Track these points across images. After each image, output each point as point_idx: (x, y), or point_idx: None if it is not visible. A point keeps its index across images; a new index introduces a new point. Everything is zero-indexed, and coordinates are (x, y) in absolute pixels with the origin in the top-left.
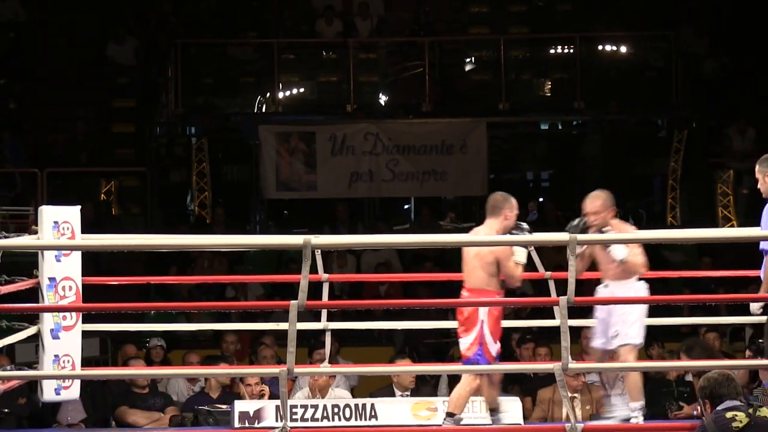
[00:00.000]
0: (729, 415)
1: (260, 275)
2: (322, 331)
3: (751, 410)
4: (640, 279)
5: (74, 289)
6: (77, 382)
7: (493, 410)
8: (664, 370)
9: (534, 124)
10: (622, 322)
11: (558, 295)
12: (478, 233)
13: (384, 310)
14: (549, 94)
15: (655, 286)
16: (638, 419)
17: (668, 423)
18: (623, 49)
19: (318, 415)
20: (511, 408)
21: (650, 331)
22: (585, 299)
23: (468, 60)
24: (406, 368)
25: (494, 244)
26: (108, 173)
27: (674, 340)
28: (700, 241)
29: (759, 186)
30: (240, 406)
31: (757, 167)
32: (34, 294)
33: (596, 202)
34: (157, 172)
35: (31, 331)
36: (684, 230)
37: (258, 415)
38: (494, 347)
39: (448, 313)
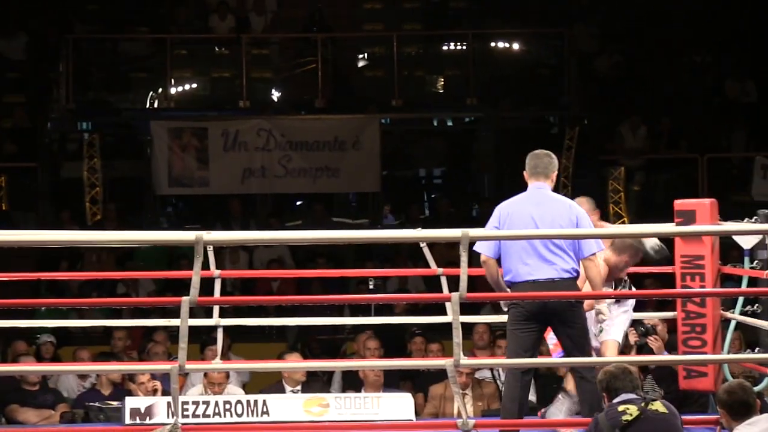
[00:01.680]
0: (621, 408)
1: (152, 271)
2: (214, 327)
3: (644, 404)
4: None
5: None
6: None
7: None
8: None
9: (427, 121)
10: (614, 315)
11: (450, 291)
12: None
13: (276, 306)
14: (442, 91)
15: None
16: None
17: (566, 419)
18: (516, 46)
19: (210, 411)
20: (403, 404)
21: None
22: (477, 295)
23: (361, 56)
24: (298, 364)
25: (393, 240)
26: None
27: None
28: (603, 237)
29: None
30: (131, 402)
31: None
32: None
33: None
34: (48, 167)
35: None
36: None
37: (149, 411)
38: None
39: (342, 309)
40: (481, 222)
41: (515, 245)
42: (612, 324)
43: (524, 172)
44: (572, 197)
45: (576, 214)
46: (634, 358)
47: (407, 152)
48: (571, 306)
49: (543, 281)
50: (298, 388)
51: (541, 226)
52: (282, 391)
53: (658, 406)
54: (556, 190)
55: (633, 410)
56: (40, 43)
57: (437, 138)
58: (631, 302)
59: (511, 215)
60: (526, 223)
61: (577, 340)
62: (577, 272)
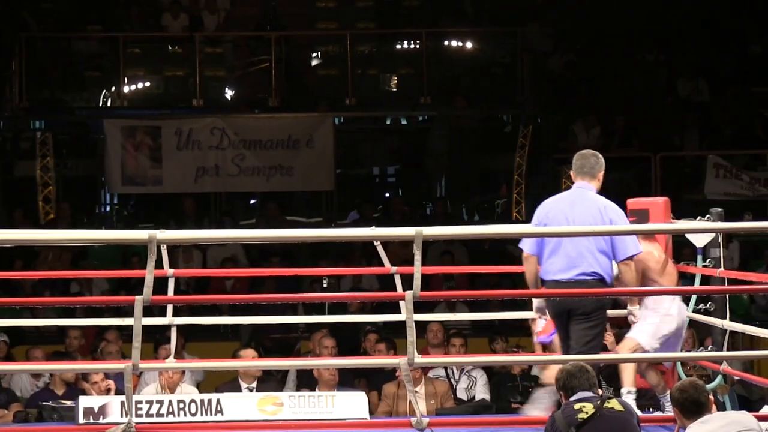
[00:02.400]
0: (577, 406)
1: (105, 270)
2: (168, 327)
3: (599, 402)
4: None
5: None
6: None
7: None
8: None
9: (381, 120)
10: (642, 318)
11: (404, 290)
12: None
13: (230, 304)
14: (395, 90)
15: (501, 281)
16: None
17: (515, 417)
18: (469, 45)
19: (164, 410)
20: (358, 403)
21: (493, 325)
22: (430, 294)
23: (315, 55)
24: (252, 363)
25: (347, 239)
26: None
27: (519, 334)
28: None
29: None
30: (85, 401)
31: None
32: None
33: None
34: (0, 166)
35: None
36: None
37: (103, 410)
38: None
39: (296, 308)
40: (435, 221)
41: (549, 244)
42: (641, 324)
43: (571, 172)
44: (526, 196)
45: (610, 217)
46: (588, 357)
47: (361, 151)
48: (589, 305)
49: (565, 282)
50: (254, 384)
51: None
52: (238, 387)
53: (615, 404)
54: (509, 187)
55: (589, 408)
56: None
57: (391, 137)
58: (667, 310)
59: (548, 214)
60: (559, 222)
61: (580, 339)
62: (600, 275)
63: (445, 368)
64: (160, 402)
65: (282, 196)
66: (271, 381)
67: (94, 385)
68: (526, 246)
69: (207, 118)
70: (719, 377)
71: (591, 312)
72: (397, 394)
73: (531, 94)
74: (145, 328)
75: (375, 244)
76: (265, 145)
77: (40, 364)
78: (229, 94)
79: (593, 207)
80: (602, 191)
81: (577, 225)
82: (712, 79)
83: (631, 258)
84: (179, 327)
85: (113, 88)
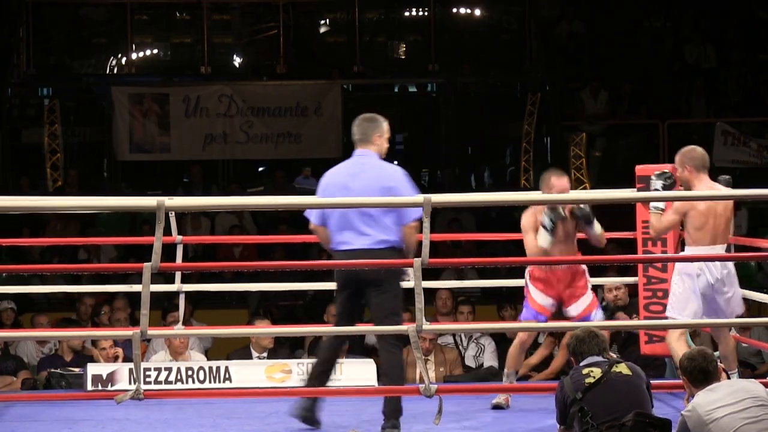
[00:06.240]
0: (585, 371)
1: (113, 237)
2: (176, 294)
3: (607, 366)
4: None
5: None
6: None
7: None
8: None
9: (389, 87)
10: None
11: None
12: None
13: (238, 272)
14: (404, 57)
15: (509, 248)
16: None
17: (522, 384)
18: (477, 11)
19: (172, 377)
20: (366, 369)
21: (501, 292)
22: (439, 261)
23: (323, 22)
24: (262, 330)
25: (357, 206)
26: None
27: None
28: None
29: None
30: (93, 369)
31: None
32: None
33: (676, 158)
34: (8, 133)
35: None
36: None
37: (111, 378)
38: (541, 300)
39: (305, 275)
40: (443, 188)
41: (332, 216)
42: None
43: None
44: (534, 163)
45: (393, 184)
46: (600, 323)
47: None
48: (385, 274)
49: (356, 251)
50: (264, 354)
51: (352, 196)
52: (249, 356)
53: (623, 368)
54: (517, 155)
55: (596, 373)
56: (0, 8)
57: (399, 104)
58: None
59: (327, 186)
60: (338, 194)
61: (387, 308)
62: (390, 242)
63: (454, 335)
64: (169, 369)
65: (290, 163)
66: (282, 348)
67: (102, 351)
68: (312, 217)
69: (215, 86)
70: None
71: (388, 281)
72: (406, 361)
73: (539, 61)
74: (153, 295)
75: None
76: (273, 113)
77: (49, 331)
78: (236, 61)
79: (373, 175)
80: (611, 158)
81: (356, 195)
82: (719, 45)
83: (414, 221)
84: (187, 294)
85: (121, 55)
